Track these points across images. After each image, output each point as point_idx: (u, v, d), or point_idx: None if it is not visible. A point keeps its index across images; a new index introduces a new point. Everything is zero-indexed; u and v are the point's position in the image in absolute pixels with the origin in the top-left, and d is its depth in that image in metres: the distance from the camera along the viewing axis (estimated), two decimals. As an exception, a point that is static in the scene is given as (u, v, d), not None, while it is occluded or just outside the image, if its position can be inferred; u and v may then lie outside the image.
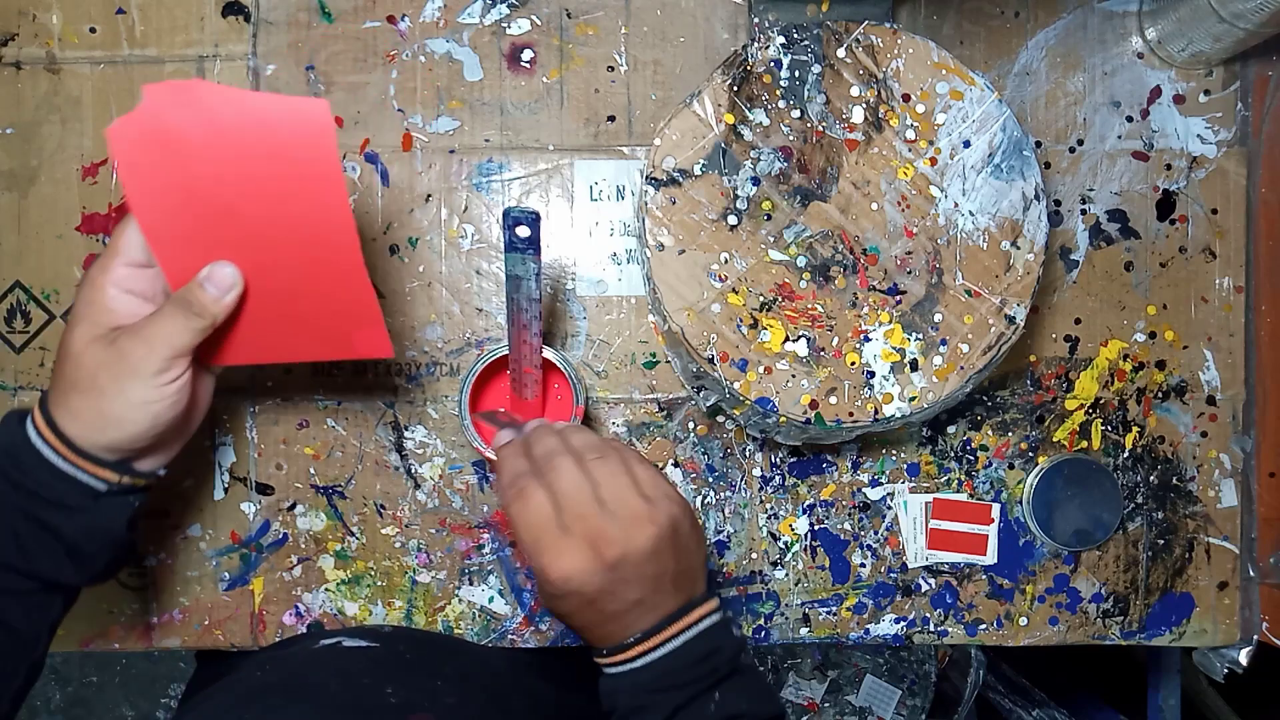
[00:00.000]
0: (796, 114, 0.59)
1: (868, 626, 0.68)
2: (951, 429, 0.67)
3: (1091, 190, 0.68)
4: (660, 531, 0.46)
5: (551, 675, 0.69)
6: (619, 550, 0.46)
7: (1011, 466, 0.68)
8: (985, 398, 0.67)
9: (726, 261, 0.58)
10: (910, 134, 0.59)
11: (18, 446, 0.49)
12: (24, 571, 0.50)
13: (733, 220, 0.58)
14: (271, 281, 0.51)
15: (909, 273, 0.59)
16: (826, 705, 1.10)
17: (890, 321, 0.58)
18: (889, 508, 0.67)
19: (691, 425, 0.67)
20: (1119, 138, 0.68)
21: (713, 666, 0.47)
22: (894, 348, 0.58)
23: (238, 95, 0.47)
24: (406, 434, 0.66)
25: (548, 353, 0.60)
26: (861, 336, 0.58)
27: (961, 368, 0.58)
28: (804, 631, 0.67)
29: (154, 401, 0.48)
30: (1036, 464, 0.67)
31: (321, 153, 0.47)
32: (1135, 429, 0.68)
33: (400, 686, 0.55)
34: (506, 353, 0.60)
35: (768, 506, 0.67)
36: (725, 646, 0.48)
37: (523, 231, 0.50)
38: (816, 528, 0.67)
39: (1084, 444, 0.68)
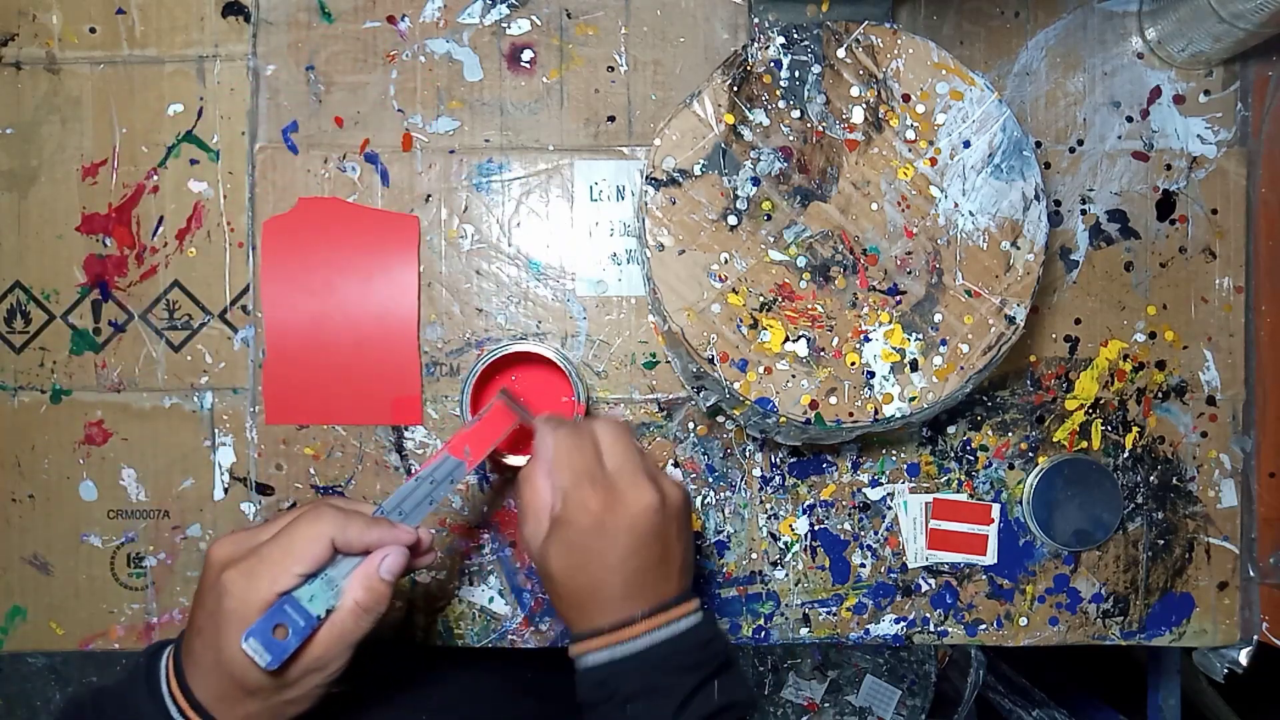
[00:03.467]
0: (796, 114, 0.59)
1: (868, 626, 0.68)
2: (951, 429, 0.67)
3: (1091, 190, 0.68)
4: (670, 503, 0.49)
5: (541, 694, 0.68)
6: (644, 500, 0.48)
7: (1011, 466, 0.68)
8: (985, 398, 0.67)
9: (726, 261, 0.58)
10: (910, 134, 0.59)
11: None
12: None
13: (733, 220, 0.58)
14: (342, 346, 0.65)
15: (909, 273, 0.59)
16: (826, 705, 1.10)
17: (890, 321, 0.58)
18: (889, 508, 0.67)
19: (691, 425, 0.67)
20: (1119, 138, 0.68)
21: (714, 651, 0.48)
22: (894, 348, 0.58)
23: (358, 209, 0.66)
24: (406, 434, 0.66)
25: (549, 352, 0.60)
26: (861, 336, 0.58)
27: (961, 368, 0.58)
28: (804, 631, 0.67)
29: (322, 686, 0.48)
30: (1036, 464, 0.67)
31: (406, 252, 0.66)
32: (1135, 429, 0.68)
33: None
34: (507, 352, 0.60)
35: (768, 507, 0.67)
36: (720, 635, 0.50)
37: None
38: (816, 528, 0.67)
39: (1084, 444, 0.68)
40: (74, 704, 0.49)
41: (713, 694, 0.47)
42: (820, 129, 0.59)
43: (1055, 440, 0.68)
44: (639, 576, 0.48)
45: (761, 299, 0.58)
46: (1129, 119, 0.68)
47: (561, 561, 0.49)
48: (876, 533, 0.67)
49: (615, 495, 0.49)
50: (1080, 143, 0.68)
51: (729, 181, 0.59)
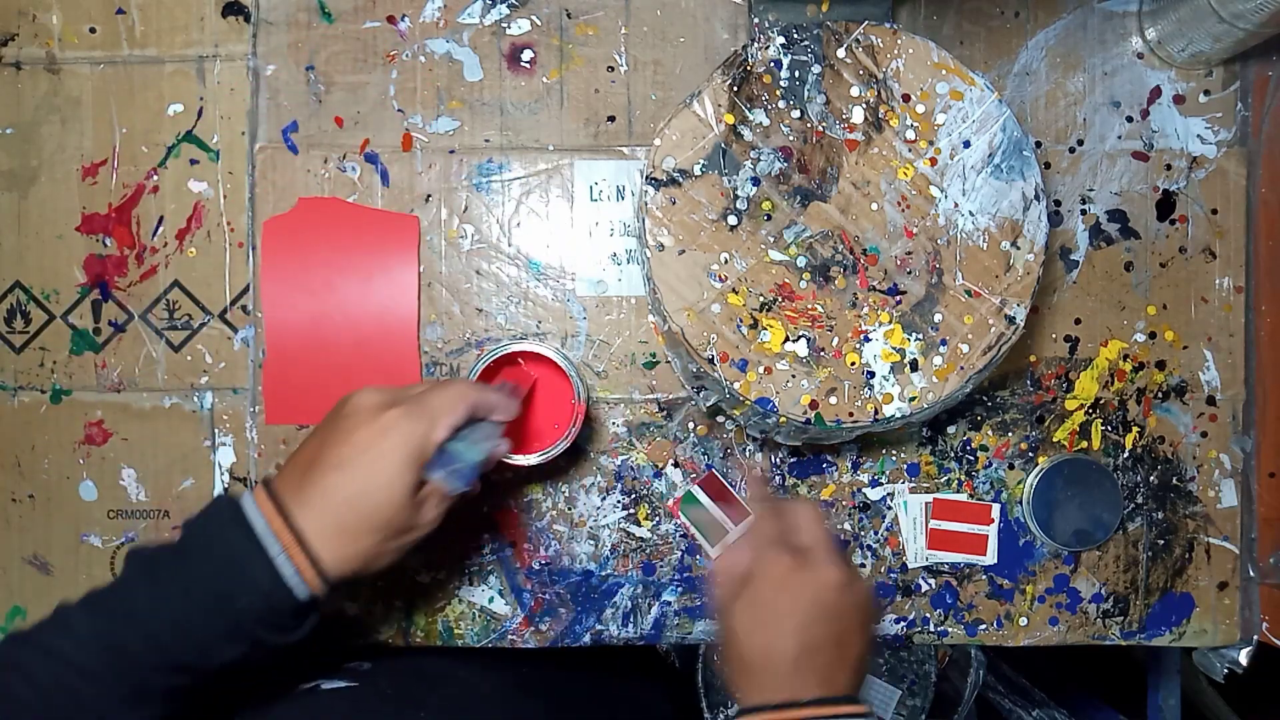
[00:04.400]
0: (796, 114, 0.59)
1: (868, 626, 0.68)
2: (951, 429, 0.67)
3: (1091, 190, 0.68)
4: (857, 588, 0.50)
5: (542, 693, 0.68)
6: (833, 573, 0.50)
7: (1011, 466, 0.68)
8: (985, 398, 0.67)
9: (726, 261, 0.58)
10: (910, 134, 0.59)
11: (264, 579, 0.47)
12: (202, 671, 0.47)
13: (733, 220, 0.58)
14: (342, 346, 0.65)
15: (909, 273, 0.59)
16: (826, 705, 1.09)
17: (890, 321, 0.58)
18: (889, 508, 0.67)
19: (691, 425, 0.67)
20: (1119, 138, 0.68)
21: None
22: (894, 348, 0.58)
23: (358, 209, 0.66)
24: (406, 434, 0.66)
25: (549, 352, 0.60)
26: (861, 336, 0.58)
27: (961, 368, 0.58)
28: (804, 631, 0.67)
29: (419, 541, 0.52)
30: (1036, 464, 0.67)
31: (406, 252, 0.66)
32: (1135, 429, 0.68)
33: None
34: (507, 352, 0.60)
35: (768, 506, 0.67)
36: None
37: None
38: (816, 528, 0.67)
39: (1084, 444, 0.68)
40: (138, 557, 0.48)
41: None
42: (820, 129, 0.59)
43: (1055, 440, 0.68)
44: (813, 651, 0.49)
45: (761, 299, 0.58)
46: (1129, 119, 0.68)
47: (744, 617, 0.50)
48: (876, 533, 0.67)
49: (806, 561, 0.50)
50: (1080, 143, 0.68)
51: (729, 181, 0.59)
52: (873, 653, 0.53)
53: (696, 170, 0.58)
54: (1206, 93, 0.68)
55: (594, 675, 0.77)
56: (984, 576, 0.68)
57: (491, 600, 0.66)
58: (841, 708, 0.48)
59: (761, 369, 0.58)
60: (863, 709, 0.49)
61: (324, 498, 0.48)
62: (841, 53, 0.59)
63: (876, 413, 0.58)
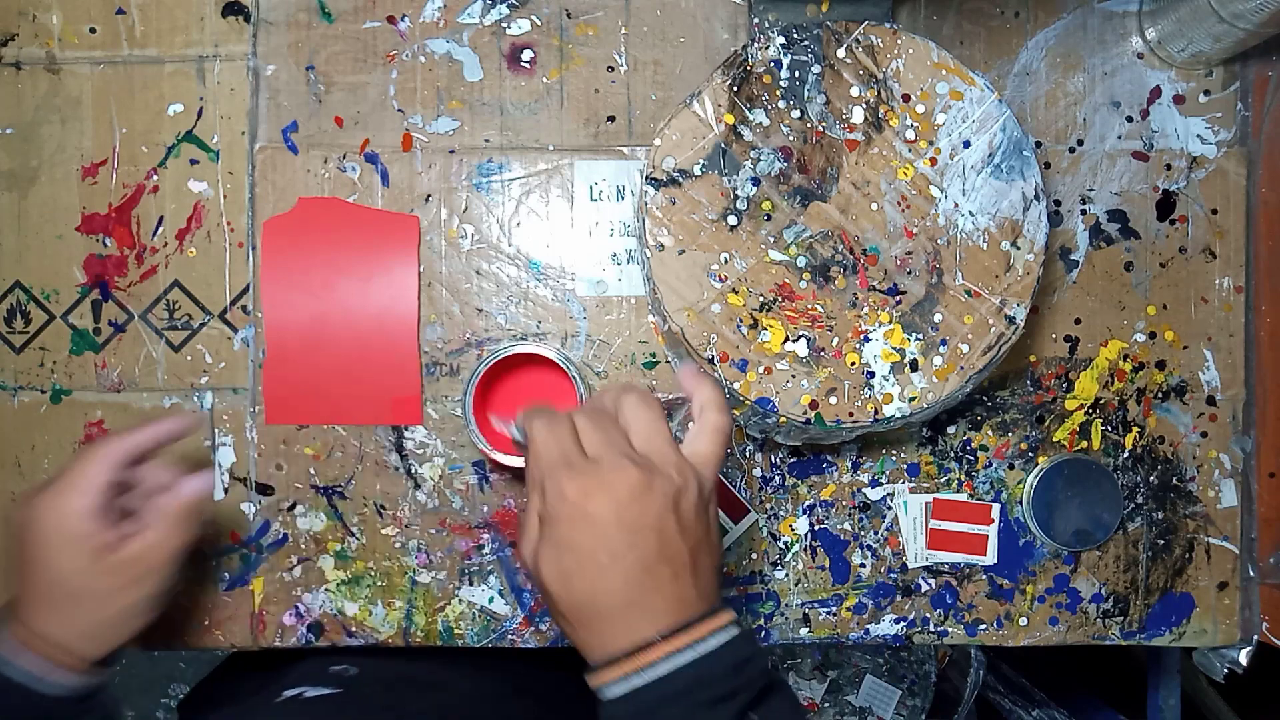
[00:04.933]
0: (796, 114, 0.59)
1: (868, 626, 0.68)
2: (951, 429, 0.67)
3: (1091, 190, 0.68)
4: (658, 485, 0.41)
5: (534, 696, 0.68)
6: (624, 481, 0.41)
7: (1011, 466, 0.68)
8: (985, 398, 0.67)
9: (726, 261, 0.58)
10: (910, 134, 0.59)
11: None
12: None
13: (733, 220, 0.58)
14: (342, 346, 0.65)
15: (909, 273, 0.59)
16: (826, 705, 1.10)
17: (890, 321, 0.58)
18: (889, 508, 0.67)
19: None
20: (1119, 138, 0.68)
21: (751, 676, 0.41)
22: (894, 348, 0.58)
23: (358, 209, 0.66)
24: (406, 434, 0.66)
25: (550, 352, 0.60)
26: (861, 337, 0.58)
27: (961, 368, 0.58)
28: (804, 632, 0.67)
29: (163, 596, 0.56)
30: (1036, 464, 0.67)
31: (406, 252, 0.66)
32: (1135, 429, 0.68)
33: None
34: (508, 354, 0.60)
35: (768, 506, 0.67)
36: (760, 653, 0.42)
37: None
38: (816, 528, 0.67)
39: (1084, 444, 0.68)
40: None
41: None
42: (820, 129, 0.59)
43: (1055, 440, 0.68)
44: (641, 580, 0.41)
45: (761, 299, 0.58)
46: (1129, 119, 0.68)
47: (551, 570, 0.42)
48: (876, 533, 0.67)
49: (595, 479, 0.41)
50: (1080, 143, 0.68)
51: (729, 181, 0.59)
52: (720, 552, 0.45)
53: (696, 170, 0.58)
54: (1206, 93, 0.68)
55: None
56: (984, 576, 0.68)
57: (491, 600, 0.66)
58: (705, 625, 0.41)
59: (761, 369, 0.58)
60: (727, 618, 0.42)
61: (33, 595, 0.53)
62: (841, 53, 0.59)
63: (876, 413, 0.58)
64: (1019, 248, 0.59)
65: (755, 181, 0.59)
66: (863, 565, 0.67)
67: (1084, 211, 0.68)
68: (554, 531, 0.42)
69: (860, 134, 0.59)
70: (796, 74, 0.59)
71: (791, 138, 0.59)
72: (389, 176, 0.66)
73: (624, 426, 0.45)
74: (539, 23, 0.66)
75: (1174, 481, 0.68)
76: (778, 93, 0.59)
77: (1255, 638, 0.68)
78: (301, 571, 0.66)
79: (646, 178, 0.58)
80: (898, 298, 0.59)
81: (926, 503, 0.67)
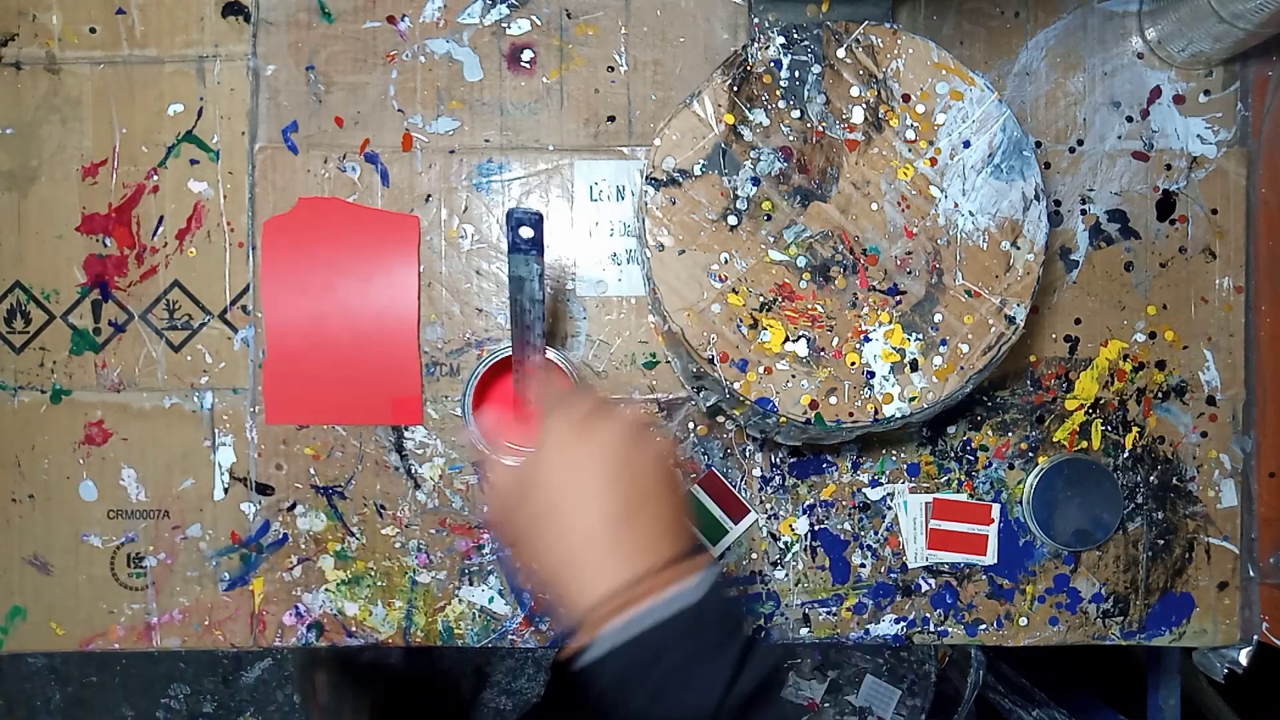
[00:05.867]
0: (796, 114, 0.59)
1: (868, 626, 0.68)
2: (951, 429, 0.67)
3: (1091, 190, 0.68)
4: (642, 438, 0.43)
5: None
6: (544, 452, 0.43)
7: (1011, 466, 0.68)
8: (985, 398, 0.67)
9: (726, 261, 0.58)
10: (910, 134, 0.59)
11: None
12: None
13: (733, 220, 0.58)
14: (342, 346, 0.65)
15: (909, 273, 0.59)
16: (826, 705, 1.10)
17: (890, 321, 0.58)
18: (889, 508, 0.67)
19: (691, 425, 0.67)
20: (1119, 138, 0.68)
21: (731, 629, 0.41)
22: (894, 348, 0.58)
23: (358, 209, 0.66)
24: (406, 434, 0.66)
25: (549, 353, 0.60)
26: (861, 337, 0.58)
27: (961, 368, 0.58)
28: (804, 631, 0.67)
29: None
30: (1036, 464, 0.67)
31: (406, 252, 0.66)
32: (1135, 429, 0.68)
33: None
34: (508, 354, 0.60)
35: (768, 506, 0.67)
36: (737, 606, 0.44)
37: (526, 233, 0.50)
38: (816, 528, 0.67)
39: (1084, 444, 0.68)
40: None
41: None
42: (820, 129, 0.59)
43: (1055, 440, 0.68)
44: (631, 514, 0.42)
45: (761, 299, 0.58)
46: (1129, 119, 0.68)
47: (536, 524, 0.43)
48: (876, 533, 0.67)
49: (586, 426, 0.45)
50: (1080, 143, 0.68)
51: (729, 181, 0.59)
52: (686, 513, 0.46)
53: (696, 170, 0.58)
54: (1206, 93, 0.68)
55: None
56: (984, 576, 0.68)
57: (491, 600, 0.66)
58: (693, 560, 0.42)
59: (761, 369, 0.58)
60: (708, 556, 0.43)
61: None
62: (841, 53, 0.59)
63: (876, 413, 0.58)
64: (1019, 248, 0.59)
65: (755, 181, 0.59)
66: (863, 565, 0.67)
67: (1084, 211, 0.68)
68: (539, 477, 0.44)
69: (860, 134, 0.59)
70: (796, 74, 0.59)
71: (791, 138, 0.59)
72: (389, 176, 0.66)
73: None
74: (539, 23, 0.66)
75: (1174, 481, 0.68)
76: (778, 93, 0.59)
77: (1255, 638, 0.68)
78: (301, 571, 0.66)
79: (646, 178, 0.58)
80: (898, 298, 0.59)
81: (926, 503, 0.67)
